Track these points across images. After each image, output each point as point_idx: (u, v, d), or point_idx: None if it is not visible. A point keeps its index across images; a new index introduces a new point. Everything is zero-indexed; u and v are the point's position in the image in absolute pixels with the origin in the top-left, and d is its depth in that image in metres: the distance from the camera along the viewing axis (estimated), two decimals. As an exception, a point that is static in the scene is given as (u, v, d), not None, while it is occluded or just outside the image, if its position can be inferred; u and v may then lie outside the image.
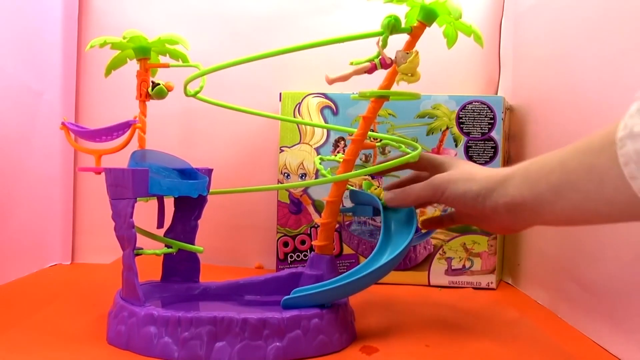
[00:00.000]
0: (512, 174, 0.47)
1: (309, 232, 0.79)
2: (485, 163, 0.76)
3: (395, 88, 0.53)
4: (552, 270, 0.67)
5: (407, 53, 0.49)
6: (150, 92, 0.58)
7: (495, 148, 0.76)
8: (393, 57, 0.50)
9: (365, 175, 0.74)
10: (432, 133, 0.77)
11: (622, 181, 0.35)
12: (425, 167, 0.58)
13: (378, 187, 0.60)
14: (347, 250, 0.79)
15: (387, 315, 0.62)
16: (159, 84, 0.58)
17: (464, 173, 0.52)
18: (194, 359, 0.47)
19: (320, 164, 0.64)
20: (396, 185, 0.61)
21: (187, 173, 0.58)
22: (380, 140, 0.71)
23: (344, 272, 0.52)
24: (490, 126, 0.76)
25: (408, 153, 0.58)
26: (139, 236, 0.51)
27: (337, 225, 0.76)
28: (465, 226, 0.77)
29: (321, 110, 0.79)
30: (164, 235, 0.59)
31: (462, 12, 0.50)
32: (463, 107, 0.77)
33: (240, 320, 0.47)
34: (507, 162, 0.79)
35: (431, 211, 0.76)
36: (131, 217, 0.50)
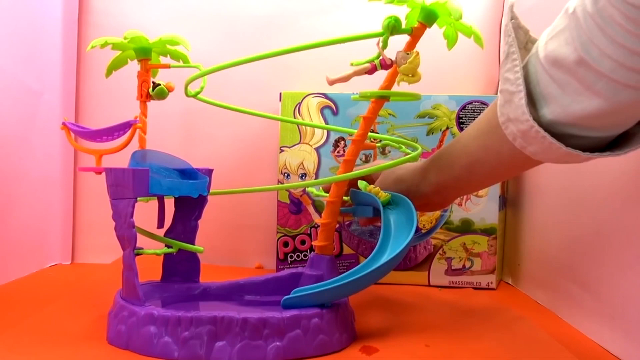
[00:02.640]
0: (429, 167, 0.59)
1: (309, 232, 0.80)
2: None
3: (395, 88, 0.53)
4: (552, 270, 0.67)
5: (408, 53, 0.49)
6: (151, 92, 0.58)
7: (495, 148, 0.76)
8: (393, 58, 0.50)
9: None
10: (432, 133, 0.77)
11: (514, 150, 0.47)
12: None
13: (375, 186, 0.60)
14: (347, 250, 0.79)
15: (387, 315, 0.62)
16: (159, 85, 0.58)
17: (394, 179, 0.62)
18: (194, 359, 0.47)
19: (316, 193, 0.65)
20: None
21: (187, 173, 0.58)
22: (380, 140, 0.71)
23: (344, 272, 0.52)
24: (490, 126, 0.76)
25: (408, 153, 0.58)
26: (139, 236, 0.51)
27: (337, 226, 0.76)
28: (465, 226, 0.77)
29: (321, 110, 0.79)
30: (164, 235, 0.59)
31: (462, 13, 0.50)
32: (463, 107, 0.77)
33: (240, 319, 0.47)
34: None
35: (430, 213, 0.76)
36: (131, 217, 0.50)
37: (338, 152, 0.79)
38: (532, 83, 0.45)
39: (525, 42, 0.48)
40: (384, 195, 0.58)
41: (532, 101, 0.45)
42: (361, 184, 0.60)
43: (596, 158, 0.44)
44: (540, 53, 0.44)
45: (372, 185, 0.59)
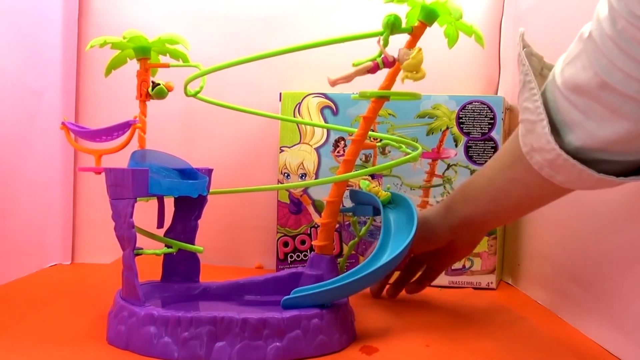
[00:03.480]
0: (453, 201, 0.59)
1: (309, 232, 0.79)
2: (485, 163, 0.76)
3: (399, 87, 0.52)
4: (552, 270, 0.67)
5: (410, 50, 0.49)
6: (150, 92, 0.58)
7: (495, 148, 0.76)
8: (395, 56, 0.50)
9: (365, 175, 0.74)
10: (432, 133, 0.77)
11: (542, 180, 0.46)
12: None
13: (376, 186, 0.60)
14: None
15: (387, 315, 0.62)
16: (159, 84, 0.58)
17: (420, 224, 0.57)
18: (194, 359, 0.47)
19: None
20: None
21: (187, 173, 0.58)
22: (381, 140, 0.71)
23: (344, 272, 0.52)
24: (490, 126, 0.76)
25: (409, 153, 0.58)
26: (139, 236, 0.51)
27: (337, 226, 0.76)
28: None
29: (321, 110, 0.79)
30: (164, 235, 0.59)
31: (462, 13, 0.50)
32: (463, 107, 0.77)
33: (240, 320, 0.47)
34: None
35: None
36: (131, 217, 0.50)
37: (338, 152, 0.79)
38: (551, 110, 0.44)
39: (540, 68, 0.47)
40: (384, 195, 0.58)
41: (554, 129, 0.43)
42: (363, 183, 0.60)
43: (631, 182, 0.42)
44: (557, 80, 0.43)
45: (372, 185, 0.59)
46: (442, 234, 0.60)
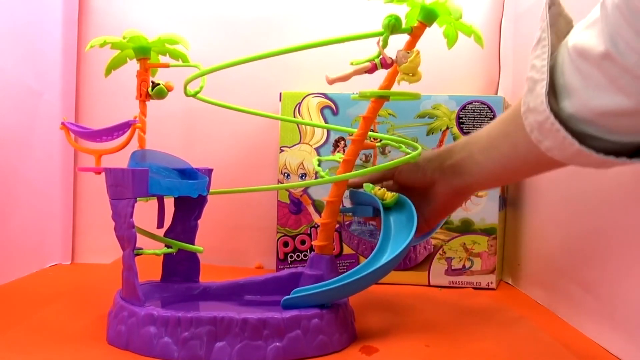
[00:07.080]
0: (453, 145, 0.57)
1: (309, 232, 0.79)
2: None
3: (396, 88, 0.53)
4: (552, 270, 0.67)
5: (408, 52, 0.49)
6: (150, 92, 0.58)
7: (495, 148, 0.76)
8: (394, 57, 0.50)
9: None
10: (432, 133, 0.77)
11: (530, 144, 0.45)
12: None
13: (380, 188, 0.60)
14: (347, 250, 0.79)
15: (387, 315, 0.62)
16: (159, 84, 0.58)
17: (429, 156, 0.59)
18: (194, 359, 0.47)
19: (318, 165, 0.64)
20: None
21: (187, 173, 0.58)
22: (381, 140, 0.71)
23: (344, 272, 0.52)
24: (490, 126, 0.76)
25: (408, 153, 0.58)
26: (139, 236, 0.51)
27: (337, 225, 0.76)
28: (465, 226, 0.77)
29: (321, 110, 0.79)
30: (164, 235, 0.59)
31: (462, 13, 0.50)
32: (463, 107, 0.77)
33: (240, 320, 0.47)
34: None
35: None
36: (131, 217, 0.50)
37: (338, 152, 0.79)
38: (557, 73, 0.43)
39: (566, 32, 0.45)
40: (389, 196, 0.57)
41: (554, 92, 0.43)
42: (367, 186, 0.60)
43: (611, 163, 0.41)
44: (569, 42, 0.42)
45: (377, 187, 0.59)
46: (429, 170, 0.58)
